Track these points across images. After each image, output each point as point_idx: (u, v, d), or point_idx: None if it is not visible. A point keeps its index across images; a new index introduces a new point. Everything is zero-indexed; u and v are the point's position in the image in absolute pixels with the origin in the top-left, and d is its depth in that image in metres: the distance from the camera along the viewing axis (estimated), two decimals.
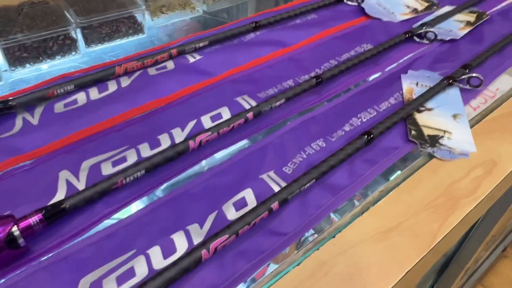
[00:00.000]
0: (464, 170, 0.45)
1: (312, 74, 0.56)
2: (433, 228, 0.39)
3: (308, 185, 0.40)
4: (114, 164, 0.42)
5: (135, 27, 0.61)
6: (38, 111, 0.47)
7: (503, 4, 0.77)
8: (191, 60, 0.56)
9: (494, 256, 1.28)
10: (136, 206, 0.39)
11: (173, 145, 0.42)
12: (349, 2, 0.72)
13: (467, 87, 0.56)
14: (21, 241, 0.33)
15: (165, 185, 0.41)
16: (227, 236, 0.34)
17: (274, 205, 0.37)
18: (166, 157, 0.41)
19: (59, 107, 0.48)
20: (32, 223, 0.35)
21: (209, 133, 0.44)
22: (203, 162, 0.43)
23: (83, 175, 0.40)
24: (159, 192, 0.41)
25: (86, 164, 0.41)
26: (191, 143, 0.43)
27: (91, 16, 0.57)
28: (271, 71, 0.56)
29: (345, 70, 0.56)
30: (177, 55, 0.56)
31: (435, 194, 0.43)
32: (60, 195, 0.38)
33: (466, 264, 0.89)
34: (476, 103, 0.55)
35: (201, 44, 0.57)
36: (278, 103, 0.49)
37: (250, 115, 0.47)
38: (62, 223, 0.37)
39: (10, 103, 0.45)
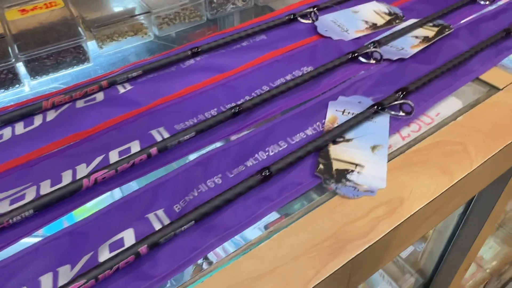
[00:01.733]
0: (364, 210, 0.43)
1: (240, 102, 0.55)
2: (308, 276, 0.38)
3: (185, 227, 0.40)
4: (12, 202, 0.44)
5: (80, 57, 0.64)
6: None
7: (474, 15, 0.71)
8: (122, 90, 0.58)
9: None
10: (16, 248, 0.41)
11: (66, 185, 0.44)
12: (303, 20, 0.71)
13: (400, 114, 0.53)
14: None
15: (51, 224, 0.43)
16: (83, 281, 0.36)
17: (142, 248, 0.38)
18: (58, 195, 0.43)
19: None
20: None
21: (106, 170, 0.45)
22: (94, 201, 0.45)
23: None
24: (47, 230, 0.42)
25: None
26: (85, 182, 0.44)
27: (32, 49, 0.60)
28: (199, 99, 0.57)
29: (270, 98, 0.55)
30: (108, 86, 0.57)
31: (323, 237, 0.41)
32: None
33: None
34: (408, 131, 0.52)
35: (134, 74, 0.59)
36: (187, 137, 0.49)
37: (153, 150, 0.47)
38: None
39: None
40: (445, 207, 0.50)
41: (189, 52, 0.62)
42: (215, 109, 0.55)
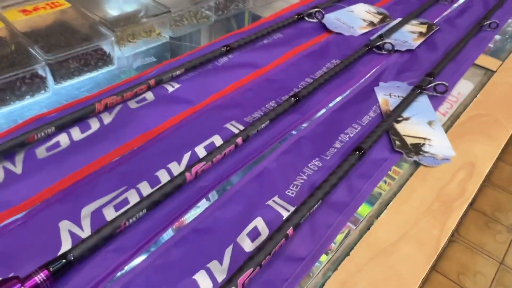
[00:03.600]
0: (449, 175, 0.48)
1: (291, 94, 0.57)
2: (435, 234, 0.42)
3: (316, 206, 0.41)
4: (117, 207, 0.40)
5: (104, 59, 0.59)
6: (19, 158, 0.44)
7: (446, 12, 0.83)
8: (170, 89, 0.55)
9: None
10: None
11: (170, 180, 0.41)
12: (310, 20, 0.75)
13: (434, 94, 0.60)
14: None
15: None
16: (252, 269, 0.34)
17: (289, 230, 0.38)
18: (165, 192, 0.40)
19: (41, 152, 0.45)
20: (39, 281, 0.33)
21: (204, 162, 0.43)
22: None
23: (86, 223, 0.38)
24: (168, 230, 0.39)
25: (86, 211, 0.39)
26: (188, 175, 0.42)
27: (58, 51, 0.54)
28: (252, 93, 0.57)
29: (318, 86, 0.57)
30: (155, 85, 0.55)
31: (429, 201, 0.45)
32: (66, 248, 0.36)
33: None
34: (444, 108, 0.59)
35: (177, 72, 0.57)
36: (263, 125, 0.50)
37: (239, 140, 0.47)
38: (71, 276, 0.34)
39: None
40: None
41: (224, 49, 0.62)
42: (273, 101, 0.56)
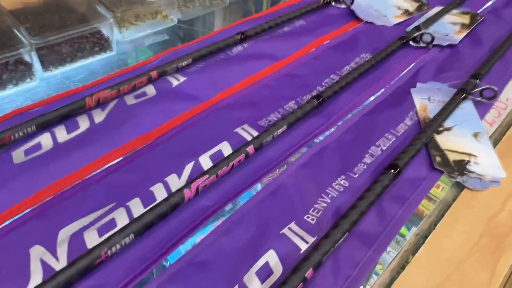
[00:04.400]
0: (499, 201, 0.41)
1: (314, 93, 0.49)
2: (483, 279, 0.34)
3: (341, 240, 0.34)
4: (101, 231, 0.33)
5: (102, 43, 0.52)
6: None
7: (490, 2, 0.73)
8: (175, 83, 0.48)
9: None
10: None
11: (166, 198, 0.34)
12: (338, 5, 0.66)
13: (480, 99, 0.51)
14: None
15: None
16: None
17: (309, 272, 0.31)
18: (158, 213, 0.33)
19: (18, 155, 0.38)
20: None
21: (207, 176, 0.36)
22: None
23: (62, 250, 0.32)
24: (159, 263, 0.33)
25: (63, 234, 0.33)
26: (187, 192, 0.35)
27: (48, 34, 0.47)
28: (269, 91, 0.49)
29: (345, 85, 0.49)
30: (157, 77, 0.47)
31: (477, 235, 0.38)
32: (35, 282, 0.30)
33: None
34: (491, 117, 0.51)
35: (184, 63, 0.49)
36: (280, 131, 0.42)
37: (250, 148, 0.40)
38: None
39: None
40: None
41: (239, 37, 0.54)
42: (293, 101, 0.48)
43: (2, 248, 0.31)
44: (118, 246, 0.31)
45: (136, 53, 0.55)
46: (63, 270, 0.29)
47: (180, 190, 0.35)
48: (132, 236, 0.32)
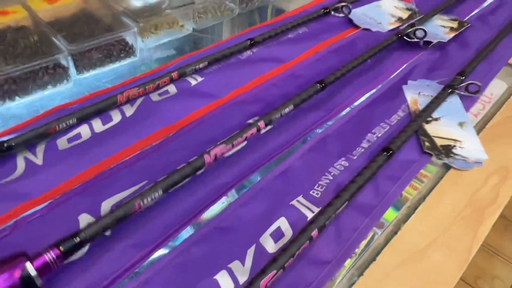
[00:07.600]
0: (481, 179, 0.46)
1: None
2: (467, 242, 0.40)
3: (341, 208, 0.39)
4: None
5: (127, 50, 0.58)
6: (40, 149, 0.43)
7: (477, 10, 0.80)
8: (193, 82, 0.54)
9: None
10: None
11: (188, 162, 0.40)
12: (337, 14, 0.73)
13: (466, 94, 0.57)
14: (39, 282, 0.30)
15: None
16: (274, 271, 0.33)
17: (314, 232, 0.36)
18: (183, 174, 0.39)
19: (62, 143, 0.44)
20: (49, 260, 0.31)
21: (224, 145, 0.42)
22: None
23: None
24: (188, 228, 0.38)
25: (106, 205, 0.38)
26: (207, 158, 0.41)
27: (81, 42, 0.53)
28: (276, 89, 0.55)
29: (346, 73, 0.56)
30: (178, 78, 0.53)
31: (461, 206, 0.43)
32: None
33: None
34: (476, 109, 0.57)
35: (200, 65, 0.55)
36: (287, 110, 0.48)
37: (261, 123, 0.46)
38: (87, 269, 0.34)
39: (8, 143, 0.41)
40: None
41: (248, 42, 0.60)
42: None
43: (56, 216, 0.37)
44: (149, 199, 0.37)
45: (156, 60, 0.61)
46: (104, 217, 0.35)
47: (201, 156, 0.41)
48: (160, 191, 0.38)
